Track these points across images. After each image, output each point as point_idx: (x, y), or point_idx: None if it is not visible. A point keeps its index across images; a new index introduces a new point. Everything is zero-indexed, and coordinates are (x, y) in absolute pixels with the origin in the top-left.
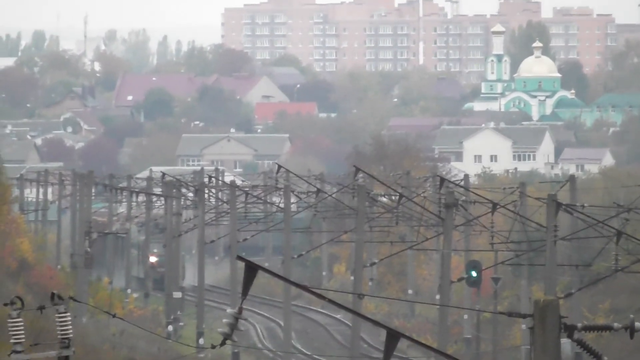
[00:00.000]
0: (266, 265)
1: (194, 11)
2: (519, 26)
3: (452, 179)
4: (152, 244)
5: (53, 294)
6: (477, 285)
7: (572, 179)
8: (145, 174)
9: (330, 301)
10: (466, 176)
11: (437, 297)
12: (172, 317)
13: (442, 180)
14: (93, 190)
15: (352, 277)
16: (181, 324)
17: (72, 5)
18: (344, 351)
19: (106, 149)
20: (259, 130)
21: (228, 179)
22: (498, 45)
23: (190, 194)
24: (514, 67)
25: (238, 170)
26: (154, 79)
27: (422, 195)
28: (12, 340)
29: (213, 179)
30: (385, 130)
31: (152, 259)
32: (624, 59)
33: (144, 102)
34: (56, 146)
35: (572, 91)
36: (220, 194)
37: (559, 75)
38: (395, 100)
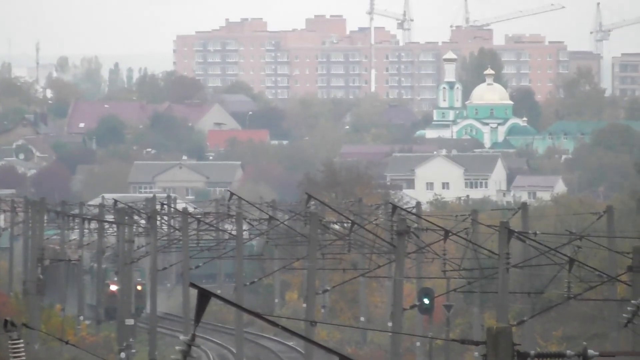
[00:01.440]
0: (218, 292)
1: (145, 38)
2: (470, 53)
3: (404, 207)
4: (111, 272)
5: (6, 320)
6: (430, 312)
7: (524, 206)
8: (97, 201)
9: (283, 328)
10: (418, 203)
11: (390, 324)
12: (124, 344)
13: (394, 207)
14: (45, 217)
15: (304, 304)
16: (133, 351)
17: (24, 31)
18: None
19: (58, 176)
20: (210, 158)
21: (180, 206)
22: (450, 72)
23: (143, 221)
24: (466, 94)
25: (190, 197)
26: (106, 106)
27: (374, 222)
28: None
29: (165, 206)
30: (337, 157)
31: (113, 287)
32: (576, 86)
33: (96, 129)
34: (8, 173)
35: (524, 118)
36: (172, 221)
37: (510, 102)
38: (347, 127)
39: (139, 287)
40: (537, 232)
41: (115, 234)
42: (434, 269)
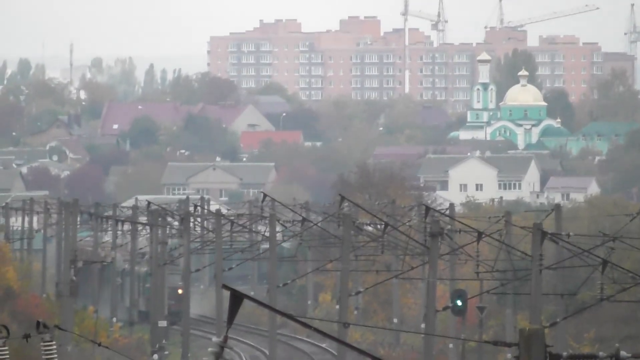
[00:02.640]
0: (251, 294)
1: (180, 39)
2: (504, 54)
3: (438, 208)
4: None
5: (38, 322)
6: (463, 314)
7: (557, 207)
8: (130, 202)
9: (316, 330)
10: (451, 205)
11: (423, 326)
12: (157, 346)
13: (428, 209)
14: (78, 219)
15: (337, 306)
16: (166, 352)
17: (58, 33)
18: None
19: (92, 178)
20: (244, 159)
21: (213, 207)
22: (484, 73)
23: (176, 223)
24: (500, 95)
25: (223, 199)
26: (139, 107)
27: (407, 224)
28: None
29: (198, 207)
30: (371, 158)
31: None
32: (610, 88)
33: (130, 131)
34: (42, 175)
35: (558, 120)
36: (205, 222)
37: (544, 103)
38: (381, 128)
39: (180, 291)
40: (571, 233)
41: (148, 235)
42: (467, 270)
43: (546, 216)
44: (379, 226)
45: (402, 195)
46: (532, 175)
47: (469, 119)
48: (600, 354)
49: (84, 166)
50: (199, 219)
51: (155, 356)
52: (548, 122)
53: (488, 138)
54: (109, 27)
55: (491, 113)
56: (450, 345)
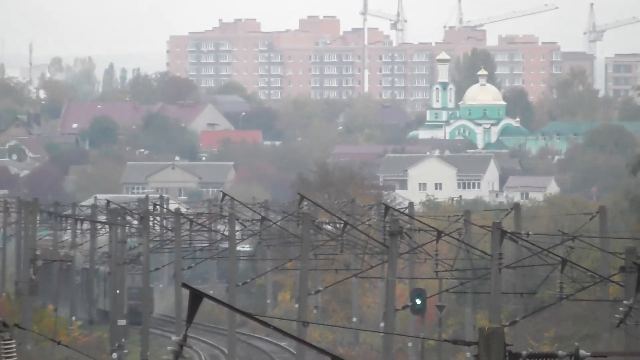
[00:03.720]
0: (211, 292)
1: (139, 39)
2: (464, 54)
3: (397, 207)
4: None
5: None
6: (422, 313)
7: (516, 207)
8: (90, 201)
9: (275, 329)
10: (411, 204)
11: (382, 325)
12: (116, 344)
13: (387, 208)
14: (38, 218)
15: (296, 305)
16: (126, 351)
17: (17, 32)
18: None
19: (51, 177)
20: (203, 158)
21: (173, 206)
22: (443, 73)
23: (135, 222)
24: (459, 95)
25: (183, 198)
26: (99, 106)
27: (366, 223)
28: None
29: (158, 206)
30: (330, 157)
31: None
32: (569, 87)
33: (89, 130)
34: (1, 174)
35: (517, 119)
36: (165, 221)
37: (504, 103)
38: (340, 128)
39: None
40: (530, 232)
41: (107, 234)
42: (426, 269)
43: (505, 215)
44: (338, 225)
45: (362, 195)
46: (491, 174)
47: (428, 119)
48: (560, 353)
49: (43, 165)
50: (158, 218)
51: (115, 355)
52: (507, 121)
53: (447, 137)
54: (69, 26)
55: (450, 112)
56: (410, 344)
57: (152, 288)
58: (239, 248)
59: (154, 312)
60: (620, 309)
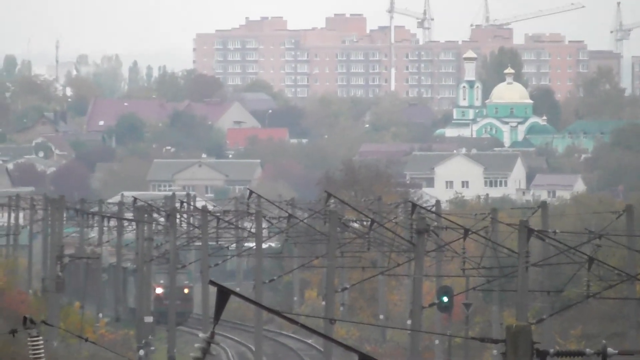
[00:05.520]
0: (238, 290)
1: (165, 36)
2: (490, 52)
3: (424, 205)
4: (157, 274)
5: (25, 317)
6: (449, 310)
7: (543, 205)
8: (116, 198)
9: (302, 326)
10: (438, 202)
11: (409, 322)
12: (143, 341)
13: (414, 206)
14: (64, 215)
15: (323, 302)
16: (152, 348)
17: (44, 30)
18: None
19: (77, 174)
20: (230, 156)
21: (199, 204)
22: (470, 71)
23: (162, 219)
24: (486, 93)
25: (209, 195)
26: (125, 104)
27: (393, 221)
28: None
29: (184, 204)
30: (357, 156)
31: (158, 290)
32: (596, 86)
33: (116, 127)
34: (28, 171)
35: (544, 117)
36: (191, 219)
37: (530, 101)
38: (367, 126)
39: (186, 290)
40: (557, 230)
41: (134, 231)
42: (453, 267)
43: (532, 213)
44: (365, 223)
45: (388, 192)
46: (518, 172)
47: (454, 117)
48: (587, 350)
49: (69, 162)
50: (185, 216)
51: (142, 352)
52: (534, 119)
53: (474, 135)
54: (95, 24)
55: (477, 111)
56: (437, 342)
57: (192, 288)
58: (265, 245)
59: (193, 312)
60: None
